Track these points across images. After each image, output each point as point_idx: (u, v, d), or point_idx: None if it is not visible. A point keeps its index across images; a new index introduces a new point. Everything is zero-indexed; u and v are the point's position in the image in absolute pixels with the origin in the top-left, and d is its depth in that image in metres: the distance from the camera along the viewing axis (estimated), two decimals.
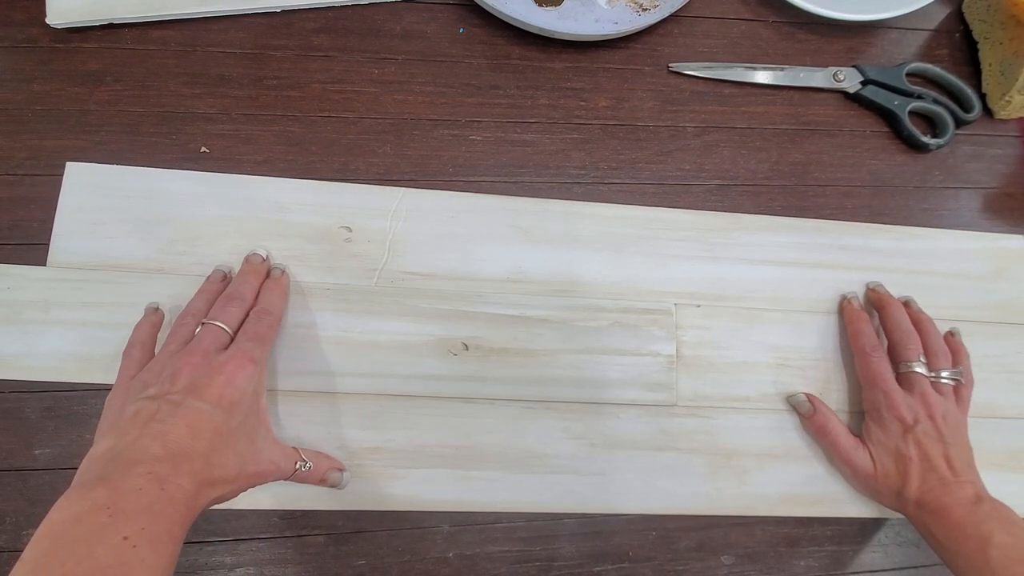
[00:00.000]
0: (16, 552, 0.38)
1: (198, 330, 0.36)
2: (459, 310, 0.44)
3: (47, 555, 0.24)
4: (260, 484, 0.34)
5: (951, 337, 0.45)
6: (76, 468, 0.39)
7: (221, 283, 0.40)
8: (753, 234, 0.47)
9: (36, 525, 0.38)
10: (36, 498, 0.39)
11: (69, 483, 0.39)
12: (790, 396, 0.44)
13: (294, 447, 0.38)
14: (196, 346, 0.34)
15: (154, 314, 0.40)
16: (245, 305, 0.38)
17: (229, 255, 0.42)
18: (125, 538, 0.24)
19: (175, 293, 0.41)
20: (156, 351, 0.37)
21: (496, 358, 0.43)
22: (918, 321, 0.44)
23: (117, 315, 0.41)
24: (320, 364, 0.42)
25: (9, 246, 0.42)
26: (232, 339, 0.36)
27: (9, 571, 0.38)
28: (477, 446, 0.42)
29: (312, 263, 0.43)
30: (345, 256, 0.43)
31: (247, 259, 0.42)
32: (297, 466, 0.37)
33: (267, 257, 0.42)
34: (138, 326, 0.39)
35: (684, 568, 0.43)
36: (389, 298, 0.43)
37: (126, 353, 0.37)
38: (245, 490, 0.33)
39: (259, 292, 0.39)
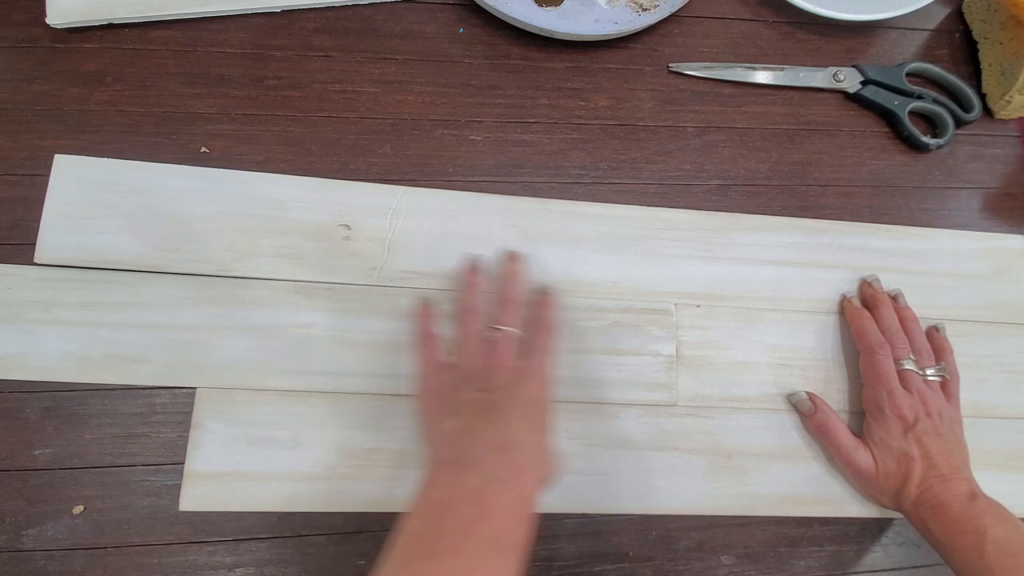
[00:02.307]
0: (16, 552, 0.39)
1: (495, 333, 0.39)
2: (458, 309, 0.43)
3: (425, 532, 0.27)
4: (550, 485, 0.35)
5: (935, 333, 0.45)
6: (76, 468, 0.40)
7: (478, 275, 0.43)
8: (753, 234, 0.47)
9: (36, 525, 0.39)
10: (36, 498, 0.39)
11: (69, 483, 0.39)
12: (791, 395, 0.44)
13: None
14: (499, 347, 0.38)
15: (429, 305, 0.42)
16: (519, 308, 0.41)
17: (225, 252, 0.42)
18: (494, 540, 0.26)
19: (174, 293, 0.42)
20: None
21: None
22: (904, 319, 0.45)
23: (117, 315, 0.41)
24: (319, 364, 0.42)
25: (9, 246, 0.42)
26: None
27: (8, 571, 0.38)
28: None
29: (311, 261, 0.43)
30: (344, 254, 0.43)
31: (508, 258, 0.43)
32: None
33: (523, 256, 0.44)
34: (419, 320, 0.41)
35: (684, 568, 0.43)
36: (388, 297, 0.43)
37: (419, 344, 0.41)
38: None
39: (539, 308, 0.42)
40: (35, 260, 0.41)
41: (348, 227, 0.44)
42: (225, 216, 0.43)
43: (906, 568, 0.44)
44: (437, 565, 0.25)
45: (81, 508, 0.39)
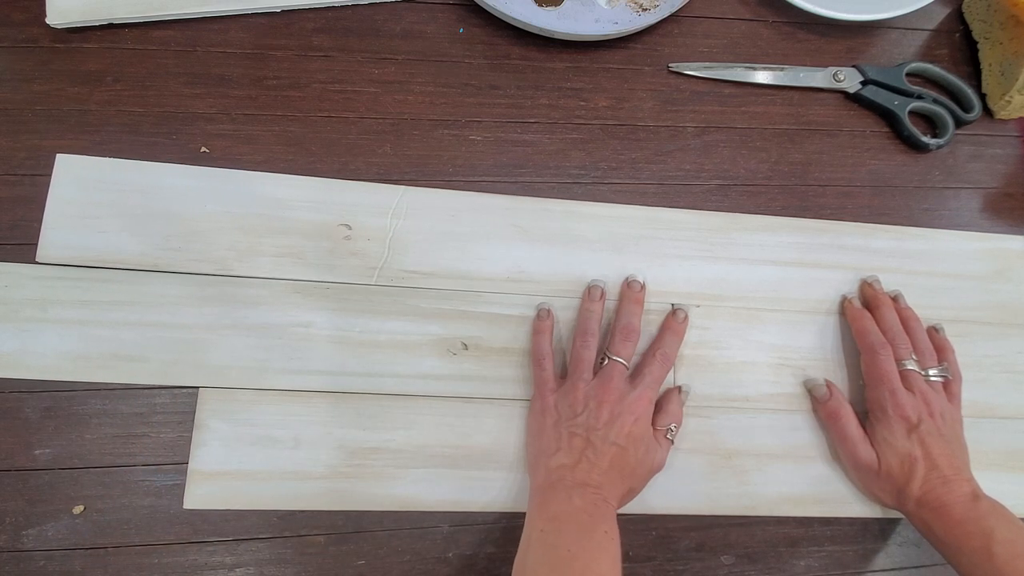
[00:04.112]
0: (16, 552, 0.39)
1: (604, 363, 0.41)
2: (459, 309, 0.43)
3: (557, 535, 0.35)
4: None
5: (935, 333, 0.46)
6: (76, 468, 0.40)
7: (601, 301, 0.43)
8: (753, 234, 0.47)
9: (36, 525, 0.39)
10: (36, 498, 0.39)
11: (69, 483, 0.39)
12: (807, 380, 0.45)
13: (653, 426, 0.41)
14: (608, 381, 0.40)
15: (548, 317, 0.43)
16: (637, 338, 0.42)
17: (227, 251, 0.42)
18: (606, 532, 0.36)
19: (173, 292, 0.42)
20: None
21: (496, 358, 0.43)
22: (905, 319, 0.45)
23: (115, 314, 0.41)
24: (319, 363, 0.42)
25: (9, 246, 0.42)
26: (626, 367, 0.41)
27: (8, 571, 0.38)
28: (477, 446, 0.42)
29: (311, 261, 0.43)
30: (344, 254, 0.43)
31: (629, 285, 0.44)
32: (668, 438, 0.41)
33: (644, 284, 0.44)
34: (538, 335, 0.43)
35: (684, 568, 0.43)
36: (389, 297, 0.43)
37: (537, 364, 0.42)
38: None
39: (664, 335, 0.43)
40: (37, 259, 0.41)
41: (349, 227, 0.44)
42: (227, 215, 0.43)
43: (906, 568, 0.44)
44: (575, 545, 0.35)
45: (81, 508, 0.39)
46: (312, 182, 0.44)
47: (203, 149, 0.44)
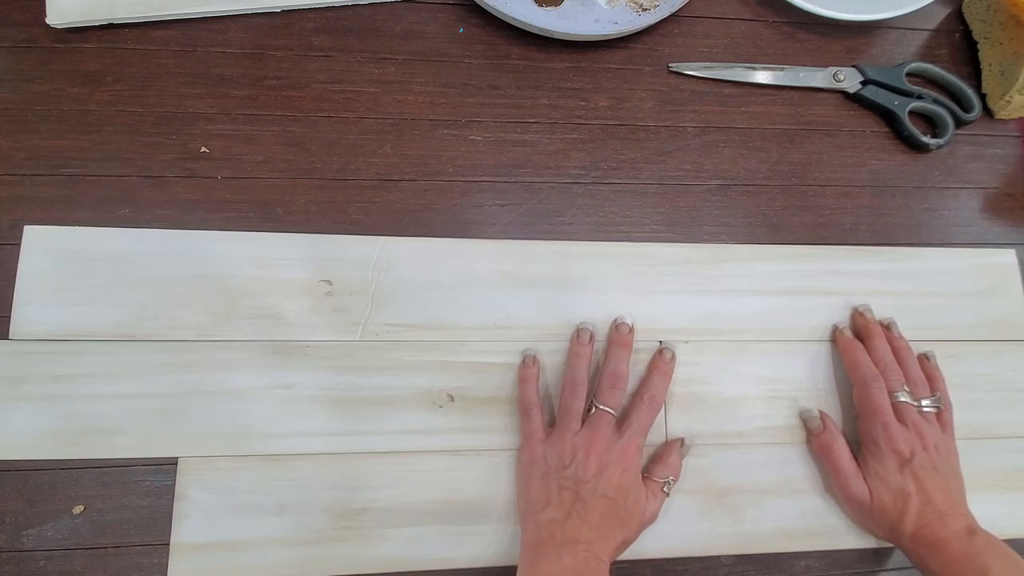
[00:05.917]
0: (15, 552, 0.39)
1: (592, 411, 0.41)
2: (443, 360, 0.42)
3: None
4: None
5: (926, 362, 0.45)
6: (76, 468, 0.40)
7: (590, 344, 0.43)
8: (741, 264, 0.46)
9: (36, 525, 0.39)
10: (36, 498, 0.39)
11: (69, 483, 0.39)
12: (803, 411, 0.44)
13: (646, 476, 0.41)
14: (596, 431, 0.40)
15: (533, 365, 0.42)
16: (625, 385, 0.42)
17: (205, 316, 0.41)
18: None
19: (149, 360, 0.40)
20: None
21: (483, 407, 0.42)
22: (897, 349, 0.44)
23: (91, 387, 0.40)
24: (302, 425, 0.41)
25: None
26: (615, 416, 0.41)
27: (8, 571, 0.38)
28: (467, 500, 0.41)
29: (293, 320, 0.42)
30: (327, 311, 0.42)
31: (617, 328, 0.43)
32: (664, 491, 0.41)
33: (632, 326, 0.43)
34: (524, 384, 0.42)
35: (684, 568, 0.43)
36: (372, 352, 0.42)
37: (525, 415, 0.41)
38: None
39: (650, 376, 0.43)
40: (10, 336, 0.40)
41: (330, 282, 0.43)
42: (202, 279, 0.42)
43: (906, 568, 0.44)
44: None
45: (81, 508, 0.39)
46: (288, 239, 0.43)
47: (203, 149, 0.44)
